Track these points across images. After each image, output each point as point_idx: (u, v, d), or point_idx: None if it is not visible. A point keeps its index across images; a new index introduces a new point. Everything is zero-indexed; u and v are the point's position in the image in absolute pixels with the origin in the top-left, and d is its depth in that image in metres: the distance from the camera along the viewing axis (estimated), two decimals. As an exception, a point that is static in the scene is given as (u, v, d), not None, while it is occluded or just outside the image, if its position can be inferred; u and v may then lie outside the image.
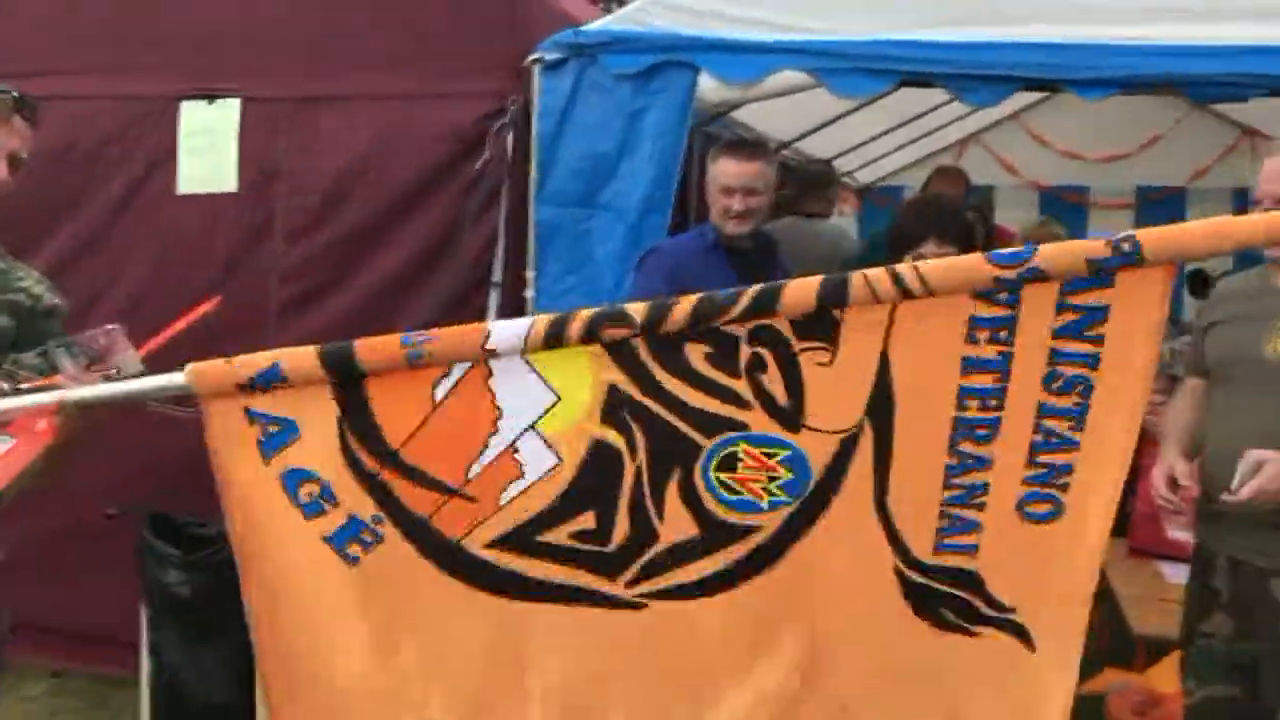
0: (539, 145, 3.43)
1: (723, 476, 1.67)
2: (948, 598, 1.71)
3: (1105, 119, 9.85)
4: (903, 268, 1.53)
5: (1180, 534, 4.21)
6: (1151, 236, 1.47)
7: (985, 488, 1.63)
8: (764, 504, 1.68)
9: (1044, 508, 1.64)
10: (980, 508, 1.65)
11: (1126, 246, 1.46)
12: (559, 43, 3.41)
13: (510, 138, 3.45)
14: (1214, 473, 2.52)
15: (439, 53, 3.55)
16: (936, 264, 1.55)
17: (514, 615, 1.75)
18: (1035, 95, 9.82)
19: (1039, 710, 1.72)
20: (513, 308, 3.51)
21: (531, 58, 3.42)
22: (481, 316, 3.48)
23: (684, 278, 2.93)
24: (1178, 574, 4.13)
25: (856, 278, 1.52)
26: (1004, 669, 1.72)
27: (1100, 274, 1.48)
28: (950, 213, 3.10)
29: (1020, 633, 1.72)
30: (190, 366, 1.60)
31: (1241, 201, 9.47)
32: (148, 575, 3.35)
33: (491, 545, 1.71)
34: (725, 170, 3.21)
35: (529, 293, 3.46)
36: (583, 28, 3.43)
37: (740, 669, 1.78)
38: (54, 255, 3.59)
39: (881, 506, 1.68)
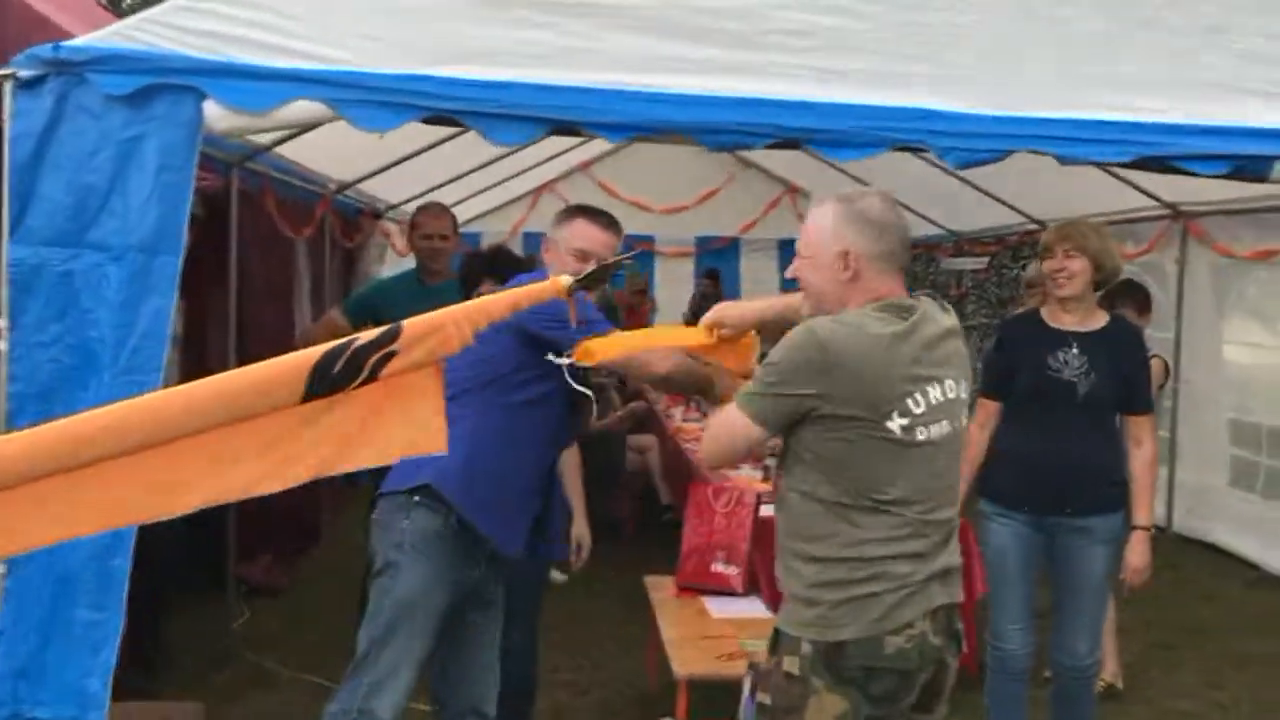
0: (12, 175, 2.94)
1: None
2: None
3: (667, 173, 10.49)
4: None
5: (722, 567, 4.37)
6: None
7: None
8: None
9: None
10: None
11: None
12: (36, 57, 2.95)
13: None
14: None
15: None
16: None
17: None
18: (605, 146, 10.25)
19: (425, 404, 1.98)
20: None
21: (1, 73, 2.95)
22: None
23: None
24: (722, 609, 4.28)
25: None
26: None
27: None
28: (501, 261, 3.85)
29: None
30: None
31: (787, 251, 10.39)
32: None
33: None
34: (587, 235, 3.10)
35: (2, 345, 2.96)
36: (67, 42, 3.00)
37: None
38: None
39: None
